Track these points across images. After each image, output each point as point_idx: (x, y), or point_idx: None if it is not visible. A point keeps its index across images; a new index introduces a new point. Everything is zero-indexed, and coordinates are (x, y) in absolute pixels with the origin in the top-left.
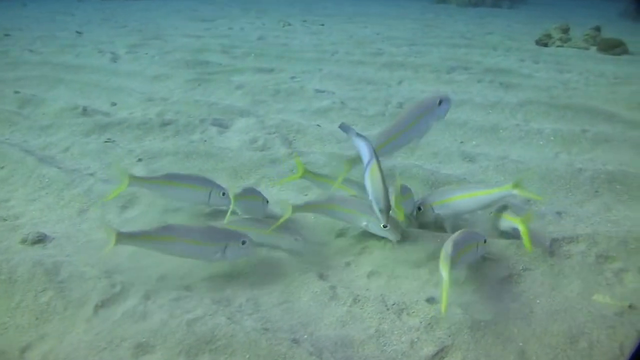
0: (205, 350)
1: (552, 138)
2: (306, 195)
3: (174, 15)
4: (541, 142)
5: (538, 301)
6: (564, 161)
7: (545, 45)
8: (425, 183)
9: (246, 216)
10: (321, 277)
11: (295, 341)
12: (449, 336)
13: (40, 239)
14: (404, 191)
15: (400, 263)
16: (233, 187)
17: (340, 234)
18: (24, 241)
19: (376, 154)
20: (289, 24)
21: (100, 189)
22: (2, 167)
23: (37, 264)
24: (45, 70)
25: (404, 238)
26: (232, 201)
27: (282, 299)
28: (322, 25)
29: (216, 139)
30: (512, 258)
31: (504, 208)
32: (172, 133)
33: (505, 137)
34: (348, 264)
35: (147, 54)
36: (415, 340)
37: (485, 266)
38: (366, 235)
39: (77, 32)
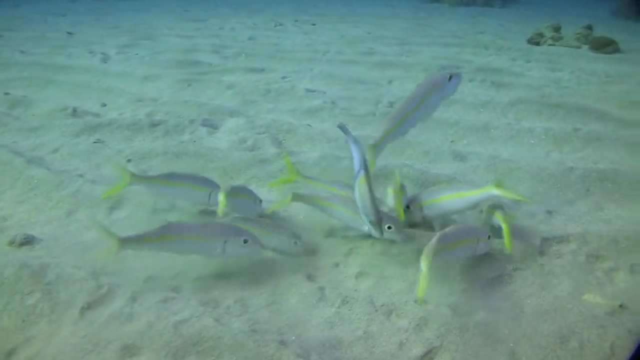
0: (192, 352)
1: (543, 137)
2: None
3: (166, 16)
4: (532, 141)
5: (528, 301)
6: (555, 160)
7: (537, 44)
8: (416, 182)
9: (238, 215)
10: (309, 278)
11: (283, 343)
12: (438, 337)
13: (28, 241)
14: (401, 189)
15: (389, 264)
16: (224, 185)
17: (329, 234)
18: (11, 243)
19: (366, 164)
20: (281, 24)
21: (88, 190)
22: None
23: (24, 266)
24: (36, 71)
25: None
26: (223, 199)
27: (270, 300)
28: (314, 24)
29: (206, 139)
30: (502, 258)
31: (497, 206)
32: (161, 133)
33: (497, 136)
34: (337, 265)
35: (137, 54)
36: (404, 341)
37: (476, 266)
38: (355, 235)
39: (69, 32)
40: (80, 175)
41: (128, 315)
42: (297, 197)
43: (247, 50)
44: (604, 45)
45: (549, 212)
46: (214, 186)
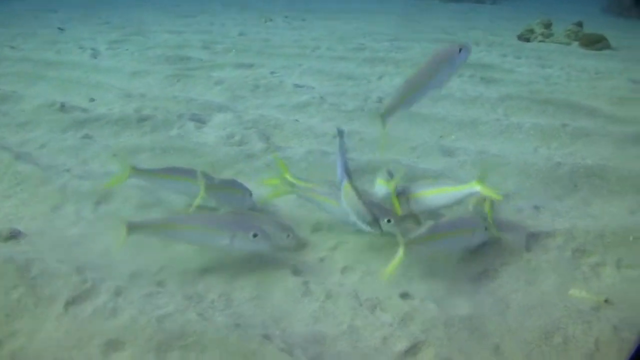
0: (175, 347)
1: (531, 132)
2: None
3: (156, 12)
4: (521, 137)
5: (514, 296)
6: (543, 155)
7: (528, 40)
8: (403, 178)
9: (228, 209)
10: (295, 272)
11: (267, 337)
12: (422, 332)
13: (14, 236)
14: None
15: (375, 258)
16: (202, 176)
17: (316, 228)
18: None
19: (349, 173)
20: (271, 20)
21: (75, 185)
22: None
23: (8, 261)
24: (26, 66)
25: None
26: (202, 190)
27: (254, 295)
28: (304, 20)
29: (193, 135)
30: (488, 253)
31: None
32: (149, 129)
33: (485, 131)
34: (322, 259)
35: (127, 49)
36: (388, 336)
37: (462, 260)
38: (341, 230)
39: (59, 28)
40: (67, 171)
41: (112, 310)
42: (295, 190)
43: (237, 46)
44: (594, 42)
45: (536, 208)
46: (212, 180)
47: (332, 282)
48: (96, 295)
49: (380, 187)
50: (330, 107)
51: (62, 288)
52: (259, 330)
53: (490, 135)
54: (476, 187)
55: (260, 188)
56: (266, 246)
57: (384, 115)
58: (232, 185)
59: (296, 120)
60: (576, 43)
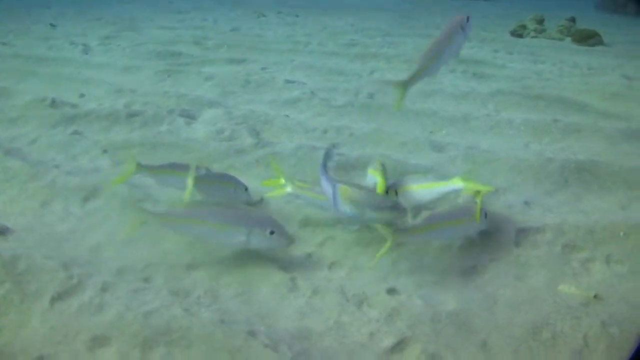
0: (160, 342)
1: (522, 128)
2: None
3: (149, 8)
4: (512, 132)
5: (502, 292)
6: (534, 151)
7: (520, 36)
8: (393, 173)
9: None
10: (282, 268)
11: (252, 333)
12: (409, 327)
13: (2, 232)
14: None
15: (363, 254)
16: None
17: (304, 224)
18: None
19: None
20: (264, 15)
21: (64, 181)
22: None
23: None
24: (17, 62)
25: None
26: (190, 183)
27: (241, 290)
28: (297, 16)
29: (183, 130)
30: (477, 248)
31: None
32: (139, 124)
33: (476, 127)
34: (309, 255)
35: (119, 45)
36: (375, 331)
37: (450, 256)
38: (329, 225)
39: (51, 24)
40: (57, 167)
41: (98, 306)
42: (293, 186)
43: (229, 41)
44: (587, 38)
45: (527, 203)
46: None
47: (319, 277)
48: (82, 291)
49: (372, 177)
50: (320, 102)
51: (49, 284)
52: (244, 326)
53: (481, 130)
54: (460, 184)
55: (252, 182)
56: (284, 243)
57: (407, 84)
58: (222, 179)
59: (286, 115)
60: (569, 39)
